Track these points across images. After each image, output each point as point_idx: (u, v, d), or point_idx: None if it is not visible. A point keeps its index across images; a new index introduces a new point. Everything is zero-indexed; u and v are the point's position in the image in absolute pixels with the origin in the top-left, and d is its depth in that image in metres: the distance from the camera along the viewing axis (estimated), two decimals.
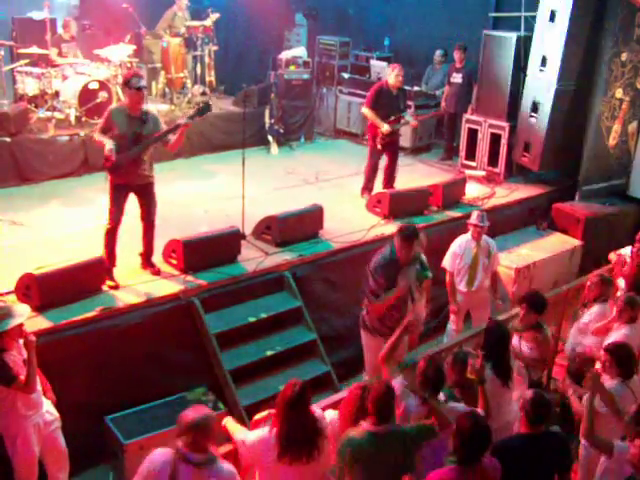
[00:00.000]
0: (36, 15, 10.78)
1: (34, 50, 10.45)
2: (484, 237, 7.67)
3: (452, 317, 7.85)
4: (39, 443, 5.22)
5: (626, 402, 5.25)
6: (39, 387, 5.19)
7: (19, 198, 8.88)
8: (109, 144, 6.49)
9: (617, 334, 6.17)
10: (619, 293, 7.18)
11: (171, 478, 3.95)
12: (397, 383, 5.12)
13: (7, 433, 5.11)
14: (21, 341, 5.07)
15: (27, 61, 10.44)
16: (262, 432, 4.44)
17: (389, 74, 9.35)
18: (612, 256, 8.01)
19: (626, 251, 7.74)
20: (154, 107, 8.80)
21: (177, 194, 9.43)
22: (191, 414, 4.04)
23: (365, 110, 9.40)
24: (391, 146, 9.49)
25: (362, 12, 14.46)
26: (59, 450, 5.41)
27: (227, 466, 4.18)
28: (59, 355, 5.73)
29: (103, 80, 10.35)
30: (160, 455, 4.05)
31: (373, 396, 4.43)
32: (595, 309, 6.66)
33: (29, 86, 10.28)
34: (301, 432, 4.32)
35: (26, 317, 5.08)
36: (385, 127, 9.17)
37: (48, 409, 5.30)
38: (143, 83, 6.72)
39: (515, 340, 5.98)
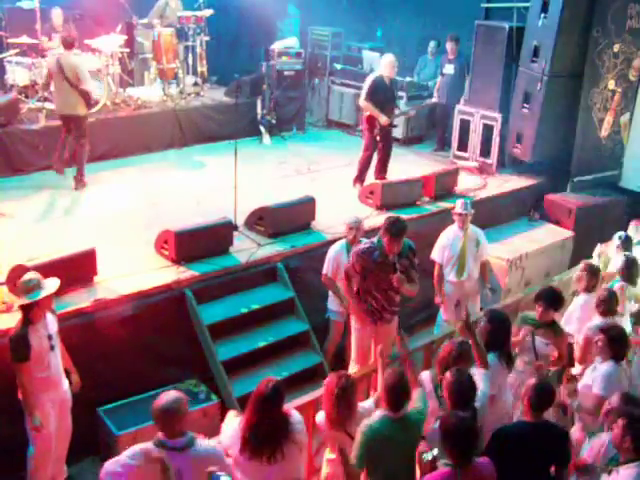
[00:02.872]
0: (26, 4, 10.70)
1: (24, 40, 10.39)
2: (472, 227, 7.69)
3: (442, 308, 7.88)
4: (55, 420, 5.38)
5: (619, 385, 5.28)
6: (61, 366, 5.39)
7: (10, 189, 8.84)
8: None
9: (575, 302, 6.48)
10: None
11: (160, 469, 3.94)
12: (427, 377, 5.16)
13: (27, 407, 5.21)
14: (49, 315, 5.28)
15: (17, 51, 10.37)
16: (235, 423, 4.47)
17: (385, 65, 9.33)
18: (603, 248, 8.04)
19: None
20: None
21: (169, 185, 9.43)
22: (159, 400, 4.05)
23: (363, 103, 9.37)
24: (385, 137, 9.49)
25: (354, 3, 14.42)
26: (67, 430, 5.59)
27: (207, 443, 4.21)
28: None
29: (94, 70, 10.30)
30: (142, 448, 4.04)
31: (386, 385, 4.50)
32: (580, 299, 6.67)
33: (19, 76, 10.21)
34: (265, 430, 4.29)
35: (56, 289, 5.29)
36: (384, 119, 9.17)
37: (66, 390, 5.50)
38: None
39: (527, 337, 5.91)
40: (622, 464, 4.23)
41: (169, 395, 4.10)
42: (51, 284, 5.28)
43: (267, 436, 4.29)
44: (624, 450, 4.25)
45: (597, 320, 6.14)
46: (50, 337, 5.24)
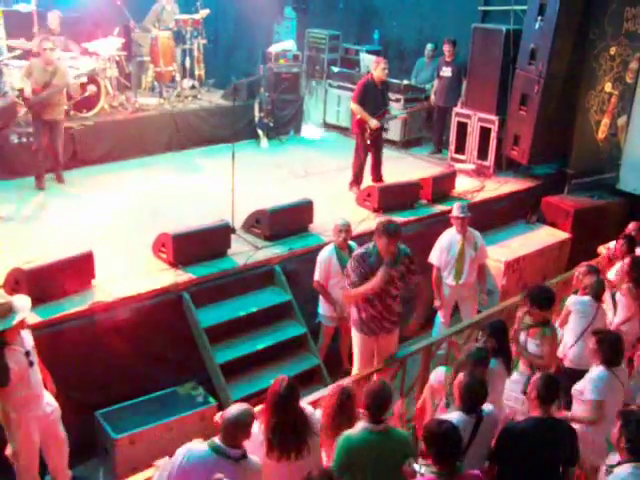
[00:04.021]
0: (23, 7, 10.69)
1: (21, 43, 10.37)
2: (470, 230, 7.69)
3: (440, 311, 7.88)
4: (40, 434, 5.29)
5: (612, 390, 5.29)
6: (41, 380, 5.25)
7: (7, 192, 8.83)
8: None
9: None
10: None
11: (209, 473, 3.94)
12: (441, 374, 5.19)
13: (8, 425, 5.11)
14: (23, 332, 5.12)
15: (14, 54, 10.35)
16: (253, 427, 4.45)
17: (375, 68, 9.34)
18: (601, 249, 8.05)
19: (614, 245, 7.77)
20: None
21: (167, 188, 9.43)
22: (231, 410, 4.11)
23: (354, 106, 9.40)
24: (376, 140, 9.51)
25: (351, 5, 14.44)
26: (59, 440, 5.49)
27: (256, 459, 4.22)
28: (49, 350, 5.69)
29: (92, 73, 10.30)
30: (196, 449, 4.10)
31: (368, 394, 4.45)
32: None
33: (17, 79, 10.19)
34: (289, 428, 4.33)
35: (29, 309, 5.14)
36: (374, 122, 9.18)
37: (48, 400, 5.37)
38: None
39: (523, 338, 5.91)
40: (620, 464, 4.25)
41: (240, 407, 4.15)
42: (24, 305, 5.10)
43: (292, 434, 4.33)
44: (620, 450, 4.28)
45: (581, 297, 6.35)
46: (28, 353, 5.09)
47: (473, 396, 4.55)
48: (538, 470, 4.46)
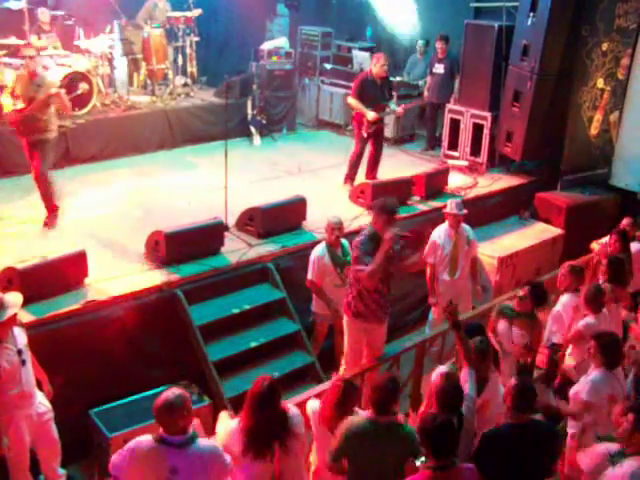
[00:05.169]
0: (14, 5, 10.64)
1: (12, 41, 10.33)
2: (462, 225, 7.72)
3: (433, 307, 7.89)
4: (31, 434, 5.26)
5: (613, 391, 5.26)
6: (33, 379, 5.23)
7: (0, 191, 8.81)
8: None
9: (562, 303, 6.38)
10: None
11: (154, 463, 3.96)
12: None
13: None
14: (16, 330, 5.10)
15: (5, 52, 10.31)
16: (232, 424, 4.45)
17: (374, 64, 9.36)
18: (594, 245, 8.06)
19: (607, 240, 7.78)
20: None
21: (159, 186, 9.42)
22: (163, 395, 4.04)
23: (351, 99, 9.43)
24: (376, 135, 9.52)
25: (344, 2, 14.43)
26: (52, 440, 5.47)
27: (209, 443, 4.18)
28: (43, 349, 5.67)
29: (84, 71, 10.27)
30: (141, 442, 4.06)
31: (375, 387, 4.47)
32: (566, 298, 6.57)
33: (8, 77, 10.15)
34: (266, 429, 4.29)
35: (20, 306, 5.11)
36: (371, 114, 9.20)
37: (41, 400, 5.35)
38: None
39: (503, 327, 5.97)
40: (628, 457, 4.25)
41: (171, 391, 4.08)
42: (15, 301, 5.07)
43: (268, 435, 4.29)
44: (633, 445, 4.27)
45: (589, 318, 6.15)
46: (20, 352, 5.04)
47: (450, 400, 4.54)
48: (520, 473, 4.46)
